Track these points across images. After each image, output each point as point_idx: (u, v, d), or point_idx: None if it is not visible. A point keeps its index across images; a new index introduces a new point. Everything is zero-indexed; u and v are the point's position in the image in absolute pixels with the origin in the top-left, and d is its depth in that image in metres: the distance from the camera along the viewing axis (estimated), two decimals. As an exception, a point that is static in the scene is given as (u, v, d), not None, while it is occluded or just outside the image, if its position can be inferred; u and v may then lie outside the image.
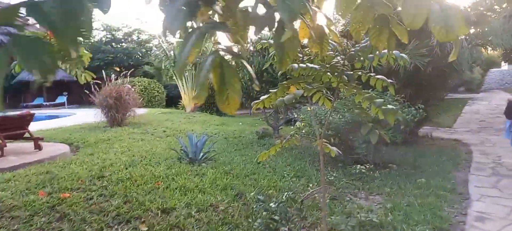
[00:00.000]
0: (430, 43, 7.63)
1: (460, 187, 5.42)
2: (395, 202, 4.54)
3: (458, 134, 10.80)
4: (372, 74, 2.80)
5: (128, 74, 11.93)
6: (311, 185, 5.15)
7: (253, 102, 2.94)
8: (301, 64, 2.66)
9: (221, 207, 4.24)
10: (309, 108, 7.16)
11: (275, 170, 5.96)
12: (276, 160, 6.73)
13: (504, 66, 33.22)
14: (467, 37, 8.48)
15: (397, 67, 7.71)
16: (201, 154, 6.01)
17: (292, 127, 9.48)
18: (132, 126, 9.84)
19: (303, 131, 7.01)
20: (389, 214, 4.11)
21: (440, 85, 8.86)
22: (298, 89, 2.89)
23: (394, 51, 2.63)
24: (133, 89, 11.10)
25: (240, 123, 12.79)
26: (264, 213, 3.58)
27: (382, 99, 2.64)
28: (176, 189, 4.68)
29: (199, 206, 4.19)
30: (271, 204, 3.60)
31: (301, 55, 2.98)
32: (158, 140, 8.31)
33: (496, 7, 9.57)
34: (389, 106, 2.65)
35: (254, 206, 4.06)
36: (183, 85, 14.96)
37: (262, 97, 2.88)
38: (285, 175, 5.66)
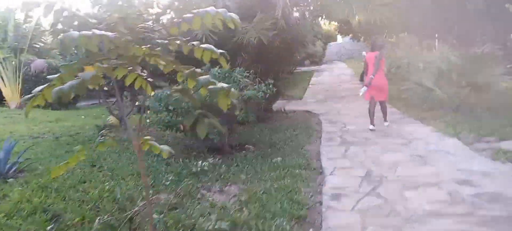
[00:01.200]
0: (275, 15, 7.42)
1: (314, 161, 5.30)
2: (251, 192, 4.03)
3: (308, 105, 11.30)
4: (195, 43, 2.05)
5: None
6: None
7: (23, 99, 1.88)
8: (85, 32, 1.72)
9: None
10: (151, 92, 6.23)
11: (114, 172, 4.88)
12: (119, 158, 5.63)
13: (340, 39, 37.52)
14: (309, 9, 8.64)
15: (245, 42, 7.30)
16: (8, 166, 4.51)
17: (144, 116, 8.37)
18: None
19: (148, 120, 6.05)
20: (244, 208, 3.56)
21: (288, 59, 8.91)
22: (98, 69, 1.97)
23: (220, 10, 1.91)
24: None
25: (83, 116, 10.96)
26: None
27: (208, 76, 1.93)
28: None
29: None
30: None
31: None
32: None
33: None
34: (222, 84, 1.96)
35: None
36: (1, 77, 12.06)
37: (36, 90, 1.85)
38: (126, 178, 4.67)
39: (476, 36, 9.84)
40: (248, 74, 6.11)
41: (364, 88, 7.03)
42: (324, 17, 10.40)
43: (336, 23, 23.14)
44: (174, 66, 2.04)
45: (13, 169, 4.54)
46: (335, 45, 35.33)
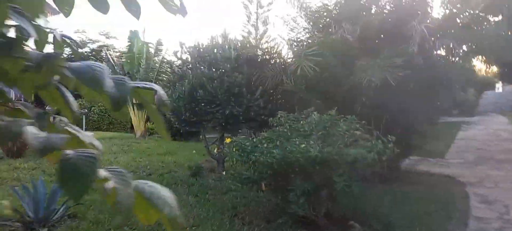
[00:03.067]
0: (409, 50, 5.68)
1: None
2: None
3: (451, 167, 8.77)
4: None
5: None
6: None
7: None
8: None
9: None
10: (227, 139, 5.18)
11: None
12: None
13: (499, 88, 31.62)
14: (457, 47, 6.55)
15: (366, 83, 5.70)
16: (55, 212, 3.88)
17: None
18: (34, 158, 7.66)
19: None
20: None
21: (425, 106, 6.87)
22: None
23: None
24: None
25: (194, 151, 10.69)
26: None
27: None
28: None
29: None
30: None
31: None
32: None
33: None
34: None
35: None
36: (132, 105, 12.86)
37: None
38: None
39: None
40: (359, 124, 4.53)
41: None
42: (481, 57, 8.02)
43: (496, 67, 19.10)
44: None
45: (58, 214, 3.90)
46: (492, 94, 29.73)
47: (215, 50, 6.98)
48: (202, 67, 7.07)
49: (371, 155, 3.94)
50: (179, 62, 7.44)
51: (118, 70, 13.02)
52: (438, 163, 9.36)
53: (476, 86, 25.72)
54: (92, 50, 23.26)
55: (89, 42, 22.16)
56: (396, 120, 6.46)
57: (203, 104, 6.69)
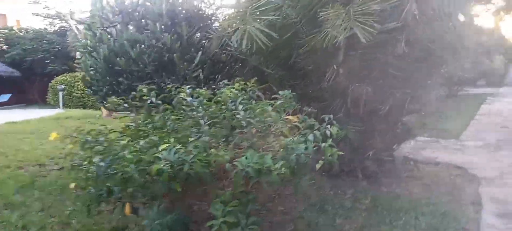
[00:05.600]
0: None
1: None
2: None
3: (466, 152, 6.91)
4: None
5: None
6: None
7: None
8: None
9: None
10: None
11: None
12: None
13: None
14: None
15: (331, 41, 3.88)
16: None
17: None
18: None
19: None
20: None
21: (424, 77, 5.03)
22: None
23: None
24: None
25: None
26: None
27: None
28: None
29: None
30: None
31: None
32: None
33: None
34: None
35: None
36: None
37: None
38: None
39: None
40: (292, 97, 2.79)
41: None
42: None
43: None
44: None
45: None
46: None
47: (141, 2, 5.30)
48: (130, 27, 5.43)
49: (305, 147, 2.20)
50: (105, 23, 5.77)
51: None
52: (450, 146, 7.50)
53: (506, 54, 23.08)
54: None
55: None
56: (381, 95, 4.65)
57: (123, 77, 5.06)
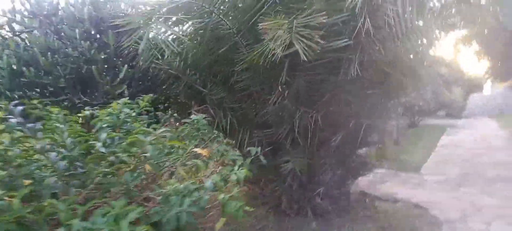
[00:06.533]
0: (345, 7, 3.23)
1: None
2: None
3: (427, 187, 6.43)
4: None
5: None
6: None
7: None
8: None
9: None
10: None
11: None
12: None
13: (487, 90, 29.69)
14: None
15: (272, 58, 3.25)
16: None
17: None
18: None
19: None
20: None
21: (382, 104, 4.49)
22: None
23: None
24: None
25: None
26: None
27: None
28: None
29: None
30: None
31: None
32: None
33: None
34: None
35: None
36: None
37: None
38: None
39: None
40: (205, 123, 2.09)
41: None
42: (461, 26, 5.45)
43: (489, 62, 16.83)
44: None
45: None
46: (479, 97, 27.67)
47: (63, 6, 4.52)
48: (49, 33, 4.61)
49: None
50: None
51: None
52: (410, 180, 7.01)
53: (464, 87, 23.71)
54: None
55: None
56: (332, 123, 4.04)
57: (35, 91, 4.21)
